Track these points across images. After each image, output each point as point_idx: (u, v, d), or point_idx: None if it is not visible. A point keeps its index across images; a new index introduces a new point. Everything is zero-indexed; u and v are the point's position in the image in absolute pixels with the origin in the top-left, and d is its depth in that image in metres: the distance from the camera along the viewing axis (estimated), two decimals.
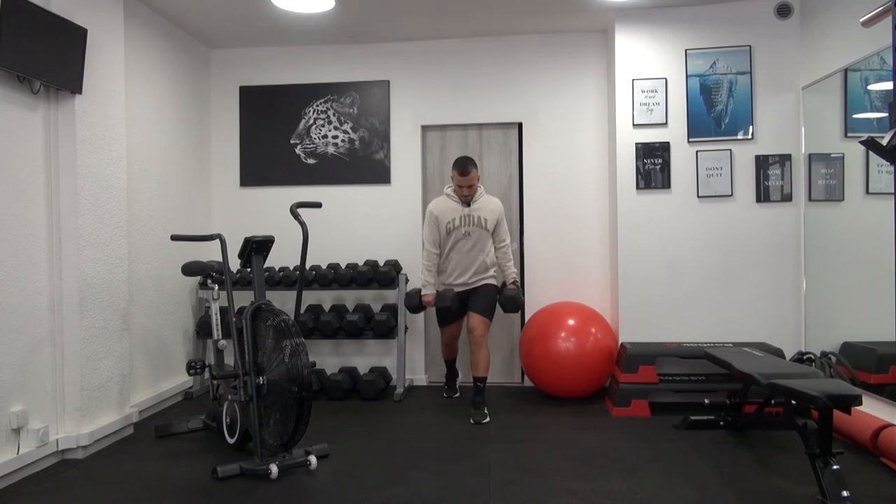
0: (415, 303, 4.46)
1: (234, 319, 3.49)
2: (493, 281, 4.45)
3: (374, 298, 5.21)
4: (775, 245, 4.60)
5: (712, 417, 3.94)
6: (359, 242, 5.30)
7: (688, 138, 4.67)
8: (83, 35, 3.51)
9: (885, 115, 3.59)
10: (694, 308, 4.68)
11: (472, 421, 4.13)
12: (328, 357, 5.27)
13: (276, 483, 3.14)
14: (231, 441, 3.61)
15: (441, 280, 4.46)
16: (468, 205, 4.36)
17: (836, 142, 4.30)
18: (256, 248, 3.62)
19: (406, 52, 5.30)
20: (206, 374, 4.10)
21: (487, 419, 4.17)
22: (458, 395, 4.79)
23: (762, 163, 4.59)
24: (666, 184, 4.69)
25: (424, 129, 5.33)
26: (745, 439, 3.74)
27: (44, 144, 3.49)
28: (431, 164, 5.35)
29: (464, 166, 4.26)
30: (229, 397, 3.62)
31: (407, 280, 4.98)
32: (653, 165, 4.70)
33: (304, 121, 5.36)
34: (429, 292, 4.41)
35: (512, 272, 4.49)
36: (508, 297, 4.37)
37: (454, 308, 4.38)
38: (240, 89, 5.43)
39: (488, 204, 4.42)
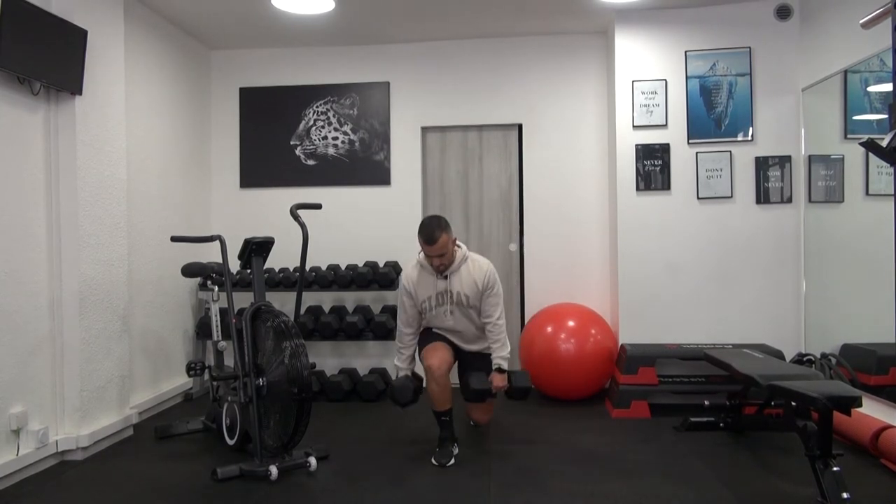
0: (397, 393, 3.64)
1: (234, 321, 3.49)
2: (485, 351, 3.70)
3: (374, 300, 5.21)
4: (775, 246, 4.60)
5: (712, 419, 3.94)
6: (359, 244, 5.30)
7: (688, 140, 4.67)
8: (83, 36, 3.52)
9: (885, 116, 3.59)
10: (694, 309, 4.67)
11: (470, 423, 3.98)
12: (328, 358, 5.26)
13: (275, 484, 3.14)
14: (231, 442, 3.61)
15: (428, 326, 3.78)
16: (445, 277, 3.56)
17: (836, 143, 4.30)
18: (256, 249, 3.62)
19: (406, 53, 5.31)
20: (206, 376, 4.10)
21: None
22: (453, 462, 3.44)
23: (762, 164, 4.59)
24: (666, 185, 4.69)
25: (424, 130, 5.33)
26: (744, 441, 3.74)
27: (44, 145, 3.49)
28: (431, 165, 5.35)
29: (429, 233, 3.38)
30: (229, 398, 3.62)
31: None
32: (653, 167, 4.70)
33: (304, 122, 5.36)
34: (403, 374, 3.73)
35: (498, 356, 3.56)
36: (464, 381, 3.62)
37: (414, 400, 3.63)
38: (240, 90, 5.43)
39: (471, 273, 3.55)
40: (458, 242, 3.58)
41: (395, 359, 3.75)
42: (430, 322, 3.68)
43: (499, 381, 3.54)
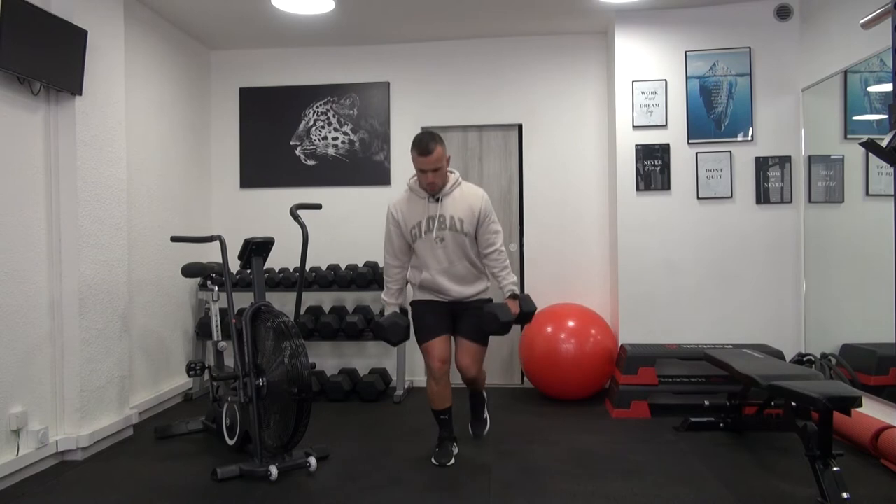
0: (386, 331, 3.40)
1: (234, 321, 3.49)
2: (488, 294, 3.49)
3: (374, 300, 5.20)
4: (775, 246, 4.60)
5: (712, 419, 3.94)
6: (359, 244, 5.29)
7: (688, 140, 4.67)
8: (83, 36, 3.52)
9: (885, 116, 3.59)
10: (694, 309, 4.67)
11: (471, 433, 3.70)
12: (328, 358, 5.26)
13: (275, 484, 3.14)
14: (231, 442, 3.61)
15: (420, 296, 3.47)
16: (437, 200, 3.29)
17: (836, 143, 4.30)
18: (256, 249, 3.62)
19: (406, 53, 5.31)
20: (206, 376, 4.10)
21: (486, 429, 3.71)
22: (453, 461, 3.43)
23: (762, 164, 4.59)
24: (666, 185, 4.69)
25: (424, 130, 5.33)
26: (744, 441, 3.74)
27: (44, 146, 3.49)
28: None
29: (423, 144, 3.16)
30: (229, 399, 3.62)
31: (406, 282, 4.96)
32: (653, 167, 4.70)
33: (304, 122, 5.36)
34: (390, 311, 3.48)
35: (509, 282, 3.35)
36: (488, 313, 3.28)
37: (406, 337, 3.42)
38: (240, 91, 5.43)
39: (465, 197, 3.30)
40: (451, 168, 3.35)
41: (382, 293, 3.49)
42: (420, 256, 3.35)
43: (514, 307, 3.32)
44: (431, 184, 3.23)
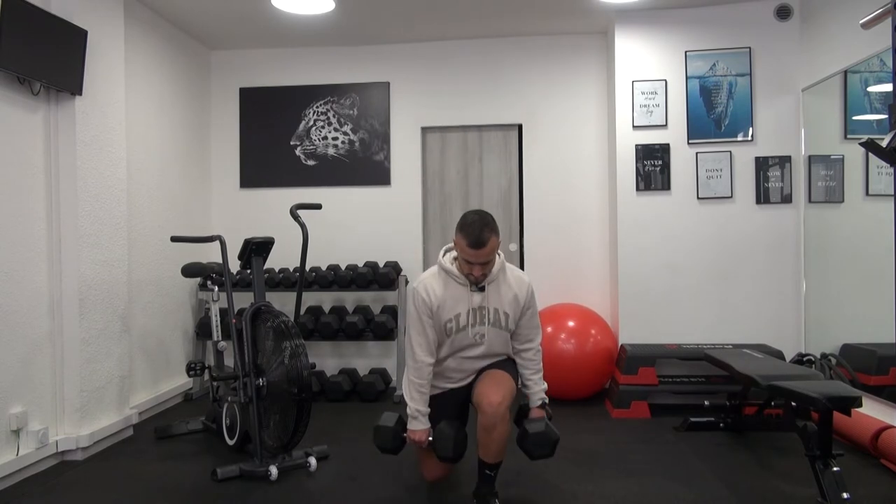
0: (391, 444, 2.84)
1: (234, 321, 3.49)
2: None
3: (374, 300, 5.21)
4: (775, 247, 4.59)
5: (712, 419, 3.94)
6: (359, 244, 5.30)
7: (688, 140, 4.67)
8: (83, 36, 3.51)
9: (885, 116, 3.59)
10: (694, 309, 4.67)
11: None
12: (328, 358, 5.26)
13: (275, 484, 3.14)
14: (231, 442, 3.61)
15: (434, 382, 2.86)
16: (481, 289, 2.76)
17: (836, 143, 4.30)
18: (256, 249, 3.62)
19: (406, 53, 5.30)
20: (206, 376, 4.10)
21: None
22: None
23: (762, 164, 4.59)
24: (666, 185, 4.69)
25: (424, 130, 5.33)
26: (744, 441, 3.74)
27: (44, 146, 3.49)
28: (431, 165, 5.35)
29: (477, 234, 2.59)
30: (229, 399, 3.62)
31: (406, 282, 4.97)
32: (653, 167, 4.70)
33: (304, 122, 5.36)
34: (420, 427, 2.77)
35: (540, 388, 2.91)
36: (536, 433, 2.75)
37: (458, 440, 2.80)
38: (240, 91, 5.43)
39: (510, 286, 2.79)
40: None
41: (408, 398, 2.80)
42: (451, 349, 2.82)
43: (542, 416, 2.93)
44: (479, 277, 2.69)
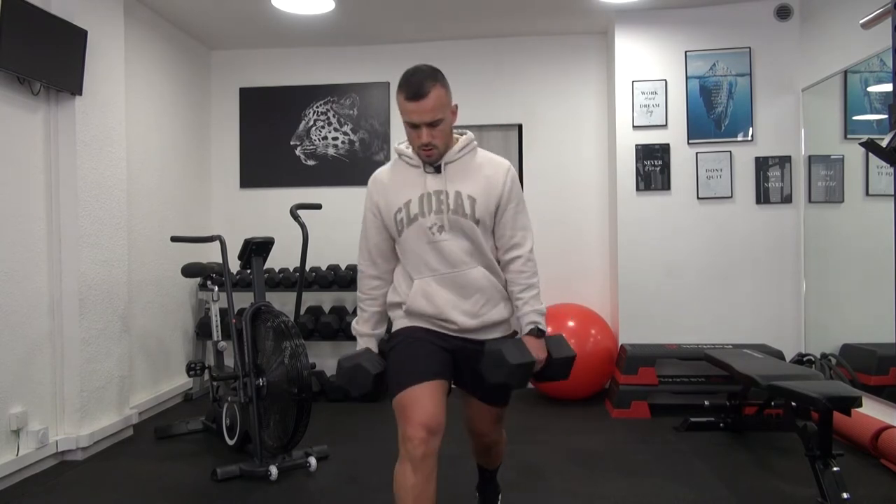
0: (345, 379, 2.20)
1: (234, 321, 3.49)
2: (504, 328, 2.20)
3: None
4: (775, 247, 4.59)
5: (712, 419, 3.94)
6: (359, 244, 5.28)
7: (688, 140, 4.67)
8: (83, 36, 3.51)
9: (885, 116, 3.59)
10: (694, 310, 4.67)
11: None
12: (328, 359, 5.26)
13: (275, 484, 3.14)
14: (231, 442, 3.61)
15: (406, 321, 2.17)
16: (437, 169, 2.11)
17: (836, 143, 4.30)
18: (256, 249, 3.63)
19: (406, 53, 5.30)
20: (206, 376, 4.10)
21: None
22: None
23: (762, 164, 4.59)
24: (666, 185, 4.69)
25: None
26: (744, 441, 3.74)
27: (44, 146, 3.49)
28: None
29: (418, 83, 2.03)
30: (229, 399, 3.62)
31: None
32: (653, 167, 4.70)
33: (304, 122, 5.36)
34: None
35: (532, 310, 2.10)
36: (490, 352, 2.04)
37: (371, 387, 2.16)
38: (240, 91, 5.43)
39: (480, 168, 2.13)
40: (462, 130, 2.20)
41: (354, 320, 2.29)
42: (407, 257, 2.15)
43: (536, 348, 2.09)
44: (427, 147, 2.05)
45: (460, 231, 2.08)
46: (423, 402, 2.00)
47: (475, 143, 2.19)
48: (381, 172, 2.24)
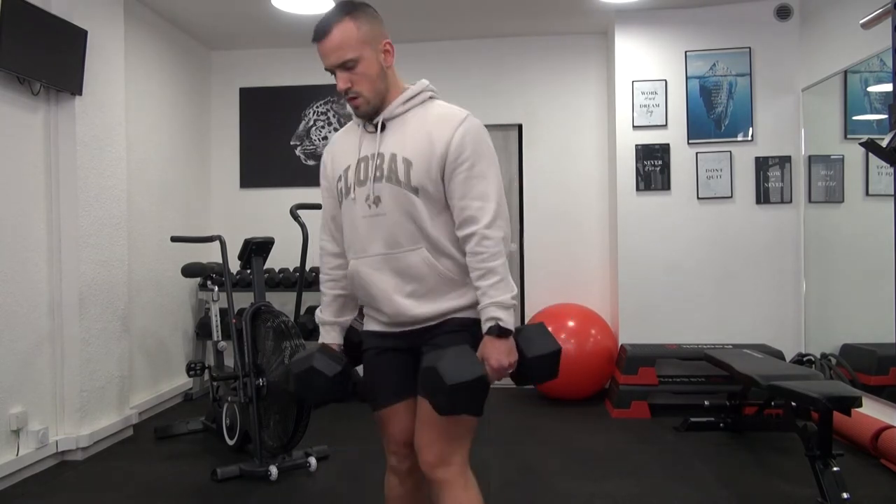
0: (300, 387, 1.93)
1: (234, 321, 3.49)
2: (469, 313, 1.76)
3: None
4: (775, 247, 4.59)
5: (712, 419, 3.94)
6: None
7: (688, 140, 4.67)
8: (83, 36, 3.51)
9: (885, 116, 3.59)
10: (694, 310, 4.67)
11: None
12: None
13: (275, 484, 3.14)
14: (231, 442, 3.61)
15: (368, 325, 1.89)
16: (375, 126, 1.77)
17: (836, 143, 4.30)
18: (256, 249, 3.63)
19: (406, 53, 5.23)
20: (206, 376, 4.10)
21: None
22: None
23: (762, 164, 4.59)
24: (666, 185, 4.69)
25: None
26: (744, 441, 3.74)
27: (44, 146, 3.49)
28: None
29: (323, 20, 1.71)
30: (229, 399, 3.62)
31: None
32: (653, 167, 4.70)
33: (304, 122, 5.36)
34: (325, 341, 1.92)
35: (490, 302, 1.68)
36: (425, 369, 1.65)
37: (329, 395, 1.96)
38: (240, 91, 5.43)
39: (426, 122, 1.77)
40: (414, 81, 1.85)
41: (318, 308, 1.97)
42: (343, 233, 1.84)
43: (499, 352, 1.68)
44: (350, 95, 1.73)
45: (397, 204, 1.70)
46: (399, 418, 1.89)
47: (429, 93, 1.82)
48: (336, 134, 1.93)
